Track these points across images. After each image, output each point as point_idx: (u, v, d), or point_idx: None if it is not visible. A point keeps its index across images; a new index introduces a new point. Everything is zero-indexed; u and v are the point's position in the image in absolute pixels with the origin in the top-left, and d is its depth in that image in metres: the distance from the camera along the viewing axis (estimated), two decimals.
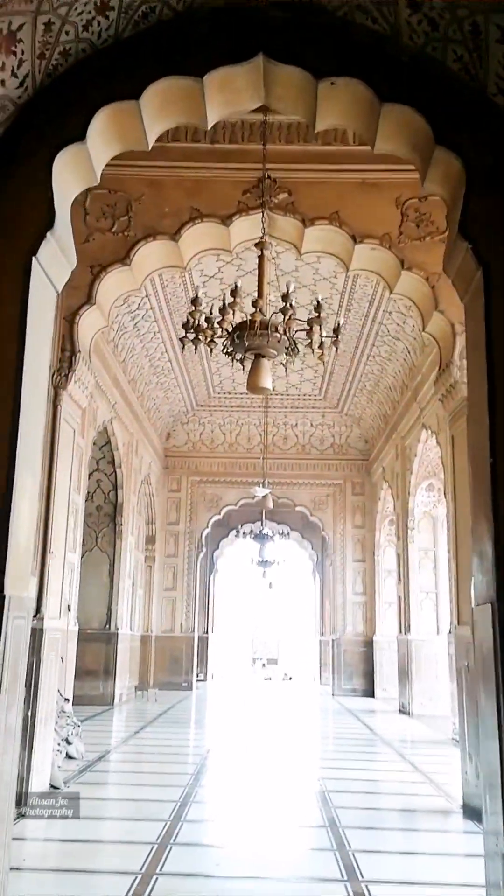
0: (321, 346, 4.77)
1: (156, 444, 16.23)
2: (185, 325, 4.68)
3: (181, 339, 4.71)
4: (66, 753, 6.96)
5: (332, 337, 4.87)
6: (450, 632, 10.24)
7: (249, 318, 4.46)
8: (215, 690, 18.93)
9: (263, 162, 5.12)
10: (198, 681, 18.01)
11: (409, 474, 12.92)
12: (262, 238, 4.95)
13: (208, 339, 4.61)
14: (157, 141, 6.42)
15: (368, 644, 16.62)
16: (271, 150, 5.78)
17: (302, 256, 6.19)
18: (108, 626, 12.54)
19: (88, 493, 12.88)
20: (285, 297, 4.61)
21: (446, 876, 4.31)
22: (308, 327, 4.67)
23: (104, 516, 13.15)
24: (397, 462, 13.76)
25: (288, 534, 15.69)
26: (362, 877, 4.01)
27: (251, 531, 15.52)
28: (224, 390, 16.13)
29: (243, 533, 15.53)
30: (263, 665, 42.44)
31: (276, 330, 4.61)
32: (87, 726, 9.47)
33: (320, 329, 4.68)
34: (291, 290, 4.69)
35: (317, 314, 4.72)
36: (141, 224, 6.14)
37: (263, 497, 11.38)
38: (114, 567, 12.88)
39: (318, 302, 4.75)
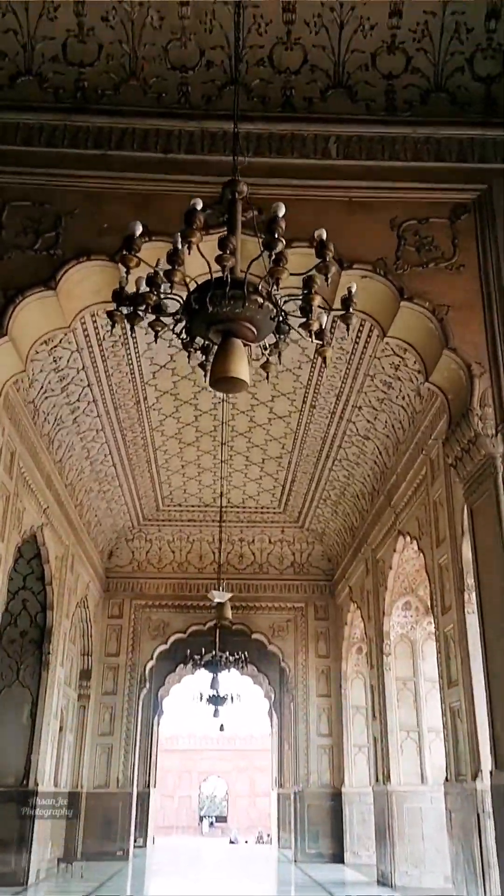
0: (320, 331, 3.21)
1: (96, 562, 14.40)
2: (117, 294, 3.19)
3: (109, 314, 3.22)
4: None
5: (339, 311, 3.33)
6: (447, 779, 8.38)
7: (221, 269, 2.99)
8: (157, 859, 16.04)
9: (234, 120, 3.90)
10: (136, 847, 15.19)
11: (382, 591, 11.37)
12: (234, 161, 3.65)
13: (150, 315, 3.09)
14: (97, 148, 5.41)
15: (336, 797, 14.31)
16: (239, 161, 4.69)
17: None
18: (25, 782, 10.20)
19: (12, 615, 10.94)
20: (272, 226, 3.12)
21: None
22: (306, 289, 3.12)
23: (29, 643, 11.11)
24: (368, 578, 12.22)
25: (245, 661, 13.70)
26: None
27: (201, 658, 13.50)
28: (174, 502, 14.61)
29: (194, 659, 13.50)
30: (212, 824, 38.07)
31: (257, 291, 3.17)
32: None
33: (326, 281, 3.16)
34: (281, 214, 3.27)
35: (322, 260, 3.12)
36: (73, 242, 4.89)
37: (221, 605, 9.58)
38: (37, 706, 10.70)
39: (321, 240, 3.11)
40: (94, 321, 8.63)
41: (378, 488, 11.61)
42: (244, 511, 14.82)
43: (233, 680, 16.62)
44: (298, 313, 3.14)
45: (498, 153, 5.20)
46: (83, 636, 14.24)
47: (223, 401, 10.76)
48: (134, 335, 8.76)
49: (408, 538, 10.05)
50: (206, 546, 15.37)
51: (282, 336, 3.25)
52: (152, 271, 3.08)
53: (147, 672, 15.20)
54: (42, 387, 9.54)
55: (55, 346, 8.88)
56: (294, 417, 11.31)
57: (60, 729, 12.18)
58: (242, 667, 14.09)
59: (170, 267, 3.00)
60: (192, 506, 14.72)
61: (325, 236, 3.11)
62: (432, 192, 5.13)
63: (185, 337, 3.17)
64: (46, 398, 9.87)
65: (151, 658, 15.12)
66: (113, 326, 3.20)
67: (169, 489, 14.04)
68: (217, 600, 9.62)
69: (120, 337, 9.19)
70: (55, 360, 9.23)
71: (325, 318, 3.21)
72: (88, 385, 10.16)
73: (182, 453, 12.56)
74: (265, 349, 3.31)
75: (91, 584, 13.95)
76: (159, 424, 11.57)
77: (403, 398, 9.71)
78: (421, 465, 9.44)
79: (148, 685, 15.58)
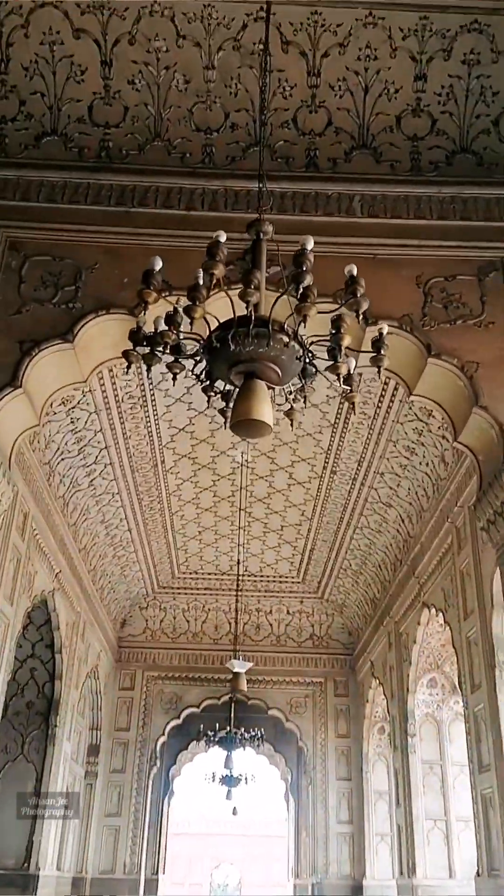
0: (349, 376, 3.05)
1: (108, 631, 13.99)
2: (133, 333, 3.05)
3: (125, 354, 3.06)
4: None
5: (370, 352, 3.04)
6: (478, 874, 7.73)
7: (246, 308, 2.83)
8: None
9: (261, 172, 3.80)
10: None
11: (406, 666, 10.85)
12: (259, 205, 3.55)
13: (168, 353, 2.93)
14: (120, 205, 5.41)
15: (357, 890, 13.39)
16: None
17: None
18: (26, 866, 9.61)
19: (19, 684, 10.54)
20: (299, 259, 2.95)
21: None
22: (334, 329, 2.92)
23: (35, 715, 10.64)
24: (391, 652, 11.71)
25: (261, 739, 13.07)
26: None
27: (215, 734, 12.89)
28: (190, 569, 14.28)
29: (207, 735, 12.89)
30: None
31: (283, 330, 2.91)
32: None
33: (358, 318, 2.97)
34: (310, 247, 3.12)
35: (351, 296, 3.01)
36: (92, 295, 4.83)
37: (237, 677, 9.11)
38: (41, 783, 10.17)
39: (351, 276, 2.99)
40: (113, 382, 8.57)
41: (401, 558, 11.24)
42: (262, 580, 14.43)
43: (247, 760, 15.88)
44: (325, 357, 2.96)
45: None
46: (92, 709, 13.71)
47: (241, 465, 10.59)
48: (153, 391, 8.67)
49: (433, 610, 9.63)
50: (222, 616, 14.92)
51: (307, 380, 3.06)
52: (171, 309, 2.94)
53: (158, 749, 14.55)
54: (58, 448, 9.42)
55: (73, 407, 8.80)
56: (314, 483, 11.08)
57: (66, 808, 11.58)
58: (258, 745, 13.46)
59: (190, 303, 2.85)
60: (209, 573, 14.37)
61: (355, 272, 2.96)
62: (459, 250, 5.06)
63: (204, 379, 3.01)
64: (62, 459, 9.73)
65: (163, 734, 14.49)
66: (128, 368, 3.05)
67: (185, 556, 13.74)
68: (237, 670, 9.17)
69: (139, 399, 9.11)
70: (72, 422, 9.14)
71: (353, 363, 3.04)
72: (105, 447, 10.03)
73: (199, 519, 12.32)
74: (289, 393, 3.13)
75: (102, 653, 13.52)
76: (176, 489, 11.38)
77: (427, 464, 9.47)
78: (446, 534, 9.11)
79: (159, 763, 14.89)
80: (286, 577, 14.36)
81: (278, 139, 5.36)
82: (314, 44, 5.06)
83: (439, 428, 8.61)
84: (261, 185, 3.59)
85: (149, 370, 3.03)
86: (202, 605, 14.99)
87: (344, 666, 14.83)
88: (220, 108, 5.32)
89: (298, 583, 14.51)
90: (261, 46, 5.00)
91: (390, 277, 4.90)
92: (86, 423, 9.29)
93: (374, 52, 5.12)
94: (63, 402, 8.39)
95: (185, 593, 14.83)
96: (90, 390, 8.48)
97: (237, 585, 13.47)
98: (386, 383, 8.34)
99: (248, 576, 14.01)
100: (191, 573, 14.40)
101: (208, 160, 5.33)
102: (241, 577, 13.49)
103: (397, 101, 5.31)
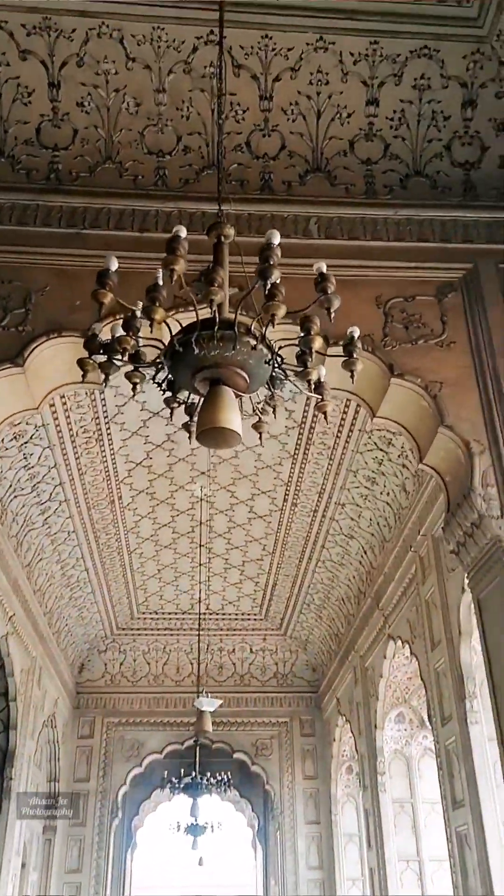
0: (320, 384, 2.88)
1: (66, 676, 13.45)
2: (88, 341, 2.86)
3: (80, 363, 2.86)
4: None
5: (344, 357, 2.88)
6: None
7: (210, 308, 2.68)
8: None
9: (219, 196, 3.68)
10: None
11: (373, 701, 10.61)
12: (219, 209, 3.42)
13: (126, 362, 2.75)
14: (70, 227, 5.26)
15: None
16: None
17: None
18: None
19: None
20: (265, 253, 2.80)
21: None
22: (303, 332, 2.77)
23: None
24: (357, 688, 11.46)
25: (228, 784, 12.60)
26: None
27: (179, 781, 12.39)
28: (150, 609, 13.88)
29: (171, 782, 12.38)
30: None
31: (249, 332, 2.79)
32: None
33: (329, 317, 2.85)
34: (276, 242, 3.02)
35: (323, 294, 2.81)
36: (43, 318, 4.63)
37: (201, 717, 8.69)
38: None
39: (321, 274, 2.82)
40: (67, 416, 8.33)
41: (364, 590, 11.07)
42: (224, 618, 14.08)
43: (213, 807, 15.29)
44: (293, 363, 2.82)
45: (481, 234, 5.15)
46: (50, 760, 13.08)
47: (201, 500, 10.38)
48: (108, 425, 8.45)
49: (399, 642, 9.44)
50: (184, 656, 14.51)
51: (276, 388, 2.90)
52: (129, 313, 2.78)
53: (120, 799, 13.93)
54: (10, 485, 9.08)
55: (25, 443, 8.51)
56: (275, 517, 10.90)
57: (23, 866, 10.93)
58: (225, 790, 12.97)
59: (149, 304, 2.69)
60: (169, 613, 13.98)
61: (324, 268, 2.84)
62: (417, 271, 5.03)
63: (166, 389, 2.83)
64: (15, 497, 9.38)
65: (125, 783, 13.91)
66: (84, 377, 2.86)
67: (144, 595, 13.35)
68: (205, 708, 8.76)
69: (94, 433, 8.87)
70: (25, 457, 8.83)
71: (323, 370, 2.90)
72: (60, 483, 9.72)
73: (158, 556, 12.00)
74: (258, 403, 2.97)
75: (60, 700, 12.97)
76: (135, 525, 11.07)
77: (388, 494, 9.38)
78: (410, 564, 8.99)
79: (120, 815, 14.24)
80: (248, 614, 14.06)
81: (232, 162, 5.31)
82: (265, 68, 5.03)
83: (399, 456, 8.55)
84: (220, 188, 3.47)
85: (105, 379, 2.82)
86: (163, 646, 14.56)
87: (309, 704, 14.50)
88: (172, 130, 5.25)
89: (261, 619, 14.21)
90: (212, 70, 4.96)
91: (350, 298, 4.79)
92: (39, 458, 8.99)
93: (325, 77, 5.12)
94: (15, 438, 8.11)
95: (146, 634, 14.39)
96: (43, 424, 8.23)
97: (199, 624, 13.13)
98: (345, 412, 8.27)
99: (210, 614, 13.69)
100: (151, 613, 14.00)
101: (161, 183, 5.24)
102: (202, 616, 13.17)
103: (350, 125, 5.31)
